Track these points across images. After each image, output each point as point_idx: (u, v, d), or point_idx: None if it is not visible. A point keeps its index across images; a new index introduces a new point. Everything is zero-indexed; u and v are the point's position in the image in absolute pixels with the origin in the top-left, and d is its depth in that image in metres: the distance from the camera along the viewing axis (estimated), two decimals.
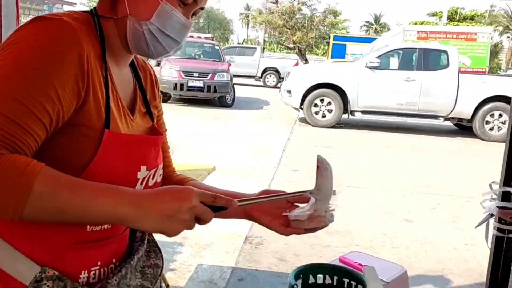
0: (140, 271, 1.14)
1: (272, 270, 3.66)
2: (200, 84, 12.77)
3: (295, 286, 2.02)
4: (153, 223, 0.89)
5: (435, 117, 10.94)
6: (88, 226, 1.01)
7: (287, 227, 1.22)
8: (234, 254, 3.92)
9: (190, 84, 12.72)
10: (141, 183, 1.05)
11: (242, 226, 4.51)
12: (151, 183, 1.08)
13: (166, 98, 12.74)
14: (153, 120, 1.18)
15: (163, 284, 1.20)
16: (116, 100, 1.04)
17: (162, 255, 1.24)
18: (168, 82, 12.45)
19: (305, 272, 2.13)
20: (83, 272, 1.02)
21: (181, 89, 12.67)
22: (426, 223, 4.91)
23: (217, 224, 4.86)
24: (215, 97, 13.23)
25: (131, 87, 1.15)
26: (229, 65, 14.35)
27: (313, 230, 1.23)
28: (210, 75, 12.86)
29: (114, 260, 1.09)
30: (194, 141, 8.17)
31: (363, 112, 11.03)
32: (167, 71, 12.71)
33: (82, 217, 0.89)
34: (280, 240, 4.20)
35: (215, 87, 12.83)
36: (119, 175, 0.99)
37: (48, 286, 0.96)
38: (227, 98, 13.48)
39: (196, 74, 12.82)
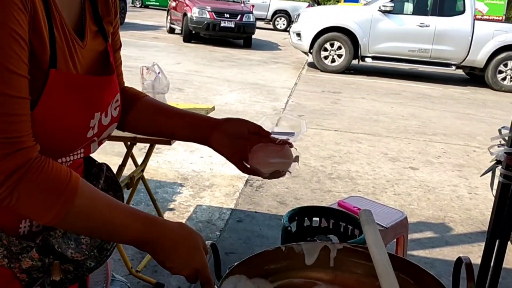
0: None
1: (272, 213, 3.63)
2: (231, 24, 13.38)
3: (289, 228, 1.98)
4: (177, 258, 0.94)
5: (447, 65, 10.67)
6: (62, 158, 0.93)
7: (246, 166, 1.13)
8: (234, 196, 3.89)
9: (222, 24, 13.31)
10: (93, 129, 0.93)
11: None
12: (105, 121, 0.97)
13: (190, 37, 13.35)
14: (107, 40, 1.00)
15: None
16: (61, 24, 0.86)
17: (122, 193, 1.12)
18: (200, 22, 13.07)
19: (300, 214, 2.08)
20: (23, 221, 0.91)
21: (214, 29, 13.27)
22: (430, 171, 4.84)
23: (218, 166, 4.86)
24: (243, 37, 13.98)
25: (77, 1, 0.94)
26: (253, 6, 14.79)
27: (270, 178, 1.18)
28: (239, 16, 13.57)
29: None
30: (198, 81, 8.04)
31: (374, 58, 10.77)
32: (198, 11, 13.17)
33: (108, 239, 0.94)
34: (281, 184, 4.17)
35: (244, 27, 13.59)
36: (68, 123, 0.87)
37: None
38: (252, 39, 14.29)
39: (227, 15, 13.46)
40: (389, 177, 4.56)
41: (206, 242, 1.25)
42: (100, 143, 1.02)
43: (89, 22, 0.96)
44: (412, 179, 4.57)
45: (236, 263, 1.31)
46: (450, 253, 3.20)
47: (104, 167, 1.10)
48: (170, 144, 2.48)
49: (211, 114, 3.70)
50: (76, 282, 0.99)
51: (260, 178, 3.71)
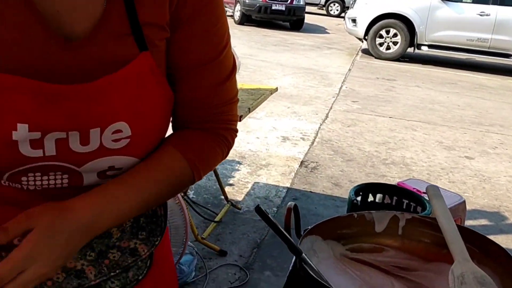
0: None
1: (326, 194, 3.74)
2: (282, 7, 13.83)
3: (355, 201, 2.09)
4: None
5: (506, 55, 10.36)
6: (3, 181, 0.78)
7: None
8: (290, 176, 4.01)
9: (273, 7, 13.77)
10: (35, 147, 0.74)
11: (299, 150, 4.58)
12: (81, 148, 0.76)
13: (243, 20, 13.71)
14: (145, 48, 0.78)
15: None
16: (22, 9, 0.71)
17: (161, 230, 0.92)
18: (253, 5, 13.52)
19: (365, 190, 2.18)
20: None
21: (265, 12, 13.73)
22: (486, 161, 4.80)
23: (273, 146, 5.01)
24: (292, 20, 14.29)
25: None
26: None
27: None
28: None
29: None
30: (252, 64, 8.16)
31: (430, 46, 10.57)
32: None
33: None
34: (336, 166, 4.26)
35: (294, 10, 13.99)
36: None
37: None
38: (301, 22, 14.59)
39: None
40: (444, 165, 4.56)
41: (290, 203, 1.38)
42: (102, 176, 0.82)
43: (113, 22, 0.77)
44: (468, 168, 4.56)
45: (312, 225, 1.44)
46: (504, 241, 3.22)
47: None
48: (239, 120, 2.63)
49: (272, 99, 3.83)
50: None
51: (316, 160, 3.91)
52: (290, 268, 1.31)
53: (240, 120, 2.67)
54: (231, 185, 3.70)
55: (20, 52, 0.72)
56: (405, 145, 5.00)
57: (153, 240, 0.90)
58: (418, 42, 10.50)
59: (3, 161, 0.75)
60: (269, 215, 1.23)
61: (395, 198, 2.12)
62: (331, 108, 6.21)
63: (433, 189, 1.45)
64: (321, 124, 5.42)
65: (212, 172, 3.29)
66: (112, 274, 0.85)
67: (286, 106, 5.95)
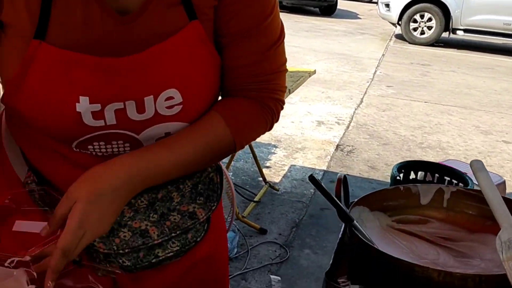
0: (164, 213, 0.92)
1: (363, 176, 3.78)
2: None
3: (398, 177, 2.13)
4: None
5: None
6: (74, 146, 0.86)
7: None
8: (325, 159, 4.06)
9: None
10: (97, 118, 0.81)
11: (334, 134, 4.62)
12: (136, 116, 0.82)
13: None
14: (195, 17, 0.82)
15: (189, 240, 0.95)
16: None
17: (213, 205, 0.97)
18: None
19: (407, 167, 2.22)
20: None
21: None
22: None
23: (308, 130, 5.05)
24: (323, 5, 14.11)
25: None
26: None
27: None
28: None
29: None
30: (287, 50, 8.17)
31: (466, 30, 10.36)
32: None
33: None
34: (372, 150, 4.28)
35: None
36: (52, 104, 0.79)
37: (36, 188, 0.91)
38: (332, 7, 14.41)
39: None
40: (481, 149, 4.53)
41: (340, 174, 1.44)
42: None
43: None
44: (505, 152, 4.51)
45: (360, 197, 1.50)
46: None
47: (219, 166, 1.01)
48: None
49: (308, 83, 3.87)
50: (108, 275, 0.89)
51: (352, 144, 3.95)
52: (340, 236, 1.38)
53: None
54: (268, 167, 3.77)
55: (80, 30, 0.78)
56: (441, 129, 4.97)
57: (210, 205, 0.96)
58: (454, 27, 10.31)
59: (70, 131, 0.82)
60: (322, 184, 1.29)
61: (436, 175, 2.16)
62: (365, 93, 6.21)
63: (478, 163, 1.49)
64: (355, 109, 5.43)
65: (250, 154, 3.37)
66: (173, 234, 0.91)
67: (320, 91, 5.97)
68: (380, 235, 1.43)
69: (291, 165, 3.88)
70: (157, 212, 0.91)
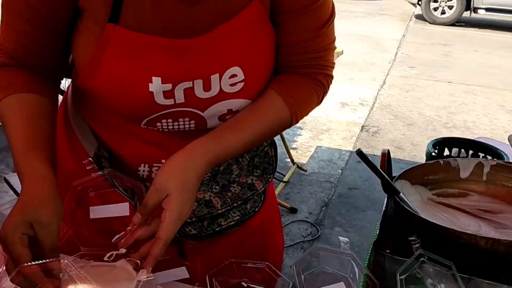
0: (224, 185, 0.99)
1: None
2: None
3: (433, 153, 2.17)
4: None
5: None
6: (142, 124, 0.91)
7: None
8: (351, 140, 4.09)
9: None
10: (167, 97, 0.86)
11: (358, 115, 4.63)
12: (203, 94, 0.88)
13: None
14: None
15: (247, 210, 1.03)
16: None
17: (269, 176, 1.04)
18: None
19: (441, 144, 2.25)
20: (142, 164, 0.96)
21: None
22: None
23: (333, 112, 5.07)
24: None
25: None
26: None
27: None
28: None
29: None
30: None
31: (487, 9, 10.19)
32: None
33: None
34: (397, 131, 4.29)
35: None
36: (125, 85, 0.84)
37: (105, 165, 0.96)
38: None
39: None
40: (507, 128, 4.51)
41: (384, 149, 1.48)
42: (223, 118, 0.93)
43: None
44: None
45: (401, 171, 1.54)
46: None
47: (270, 142, 1.06)
48: None
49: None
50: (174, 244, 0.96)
51: (377, 124, 3.95)
52: (384, 208, 1.42)
53: None
54: (294, 149, 3.81)
55: (150, 13, 0.82)
56: (466, 109, 4.96)
57: (266, 177, 1.03)
58: (475, 6, 10.14)
59: (141, 110, 0.88)
60: (369, 158, 1.34)
61: (470, 152, 2.19)
62: (388, 74, 6.19)
63: None
64: (379, 90, 5.43)
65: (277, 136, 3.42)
66: (234, 205, 0.98)
67: (342, 72, 5.96)
68: (422, 208, 1.47)
69: (317, 146, 3.92)
70: (219, 183, 0.97)
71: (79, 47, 0.87)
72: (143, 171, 0.96)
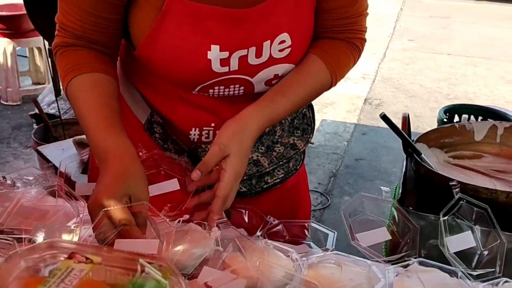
0: (269, 145, 1.06)
1: None
2: None
3: (445, 120, 2.23)
4: None
5: None
6: (194, 91, 0.98)
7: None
8: (355, 113, 4.14)
9: None
10: (223, 65, 0.92)
11: (361, 88, 4.68)
12: (255, 61, 0.94)
13: None
14: None
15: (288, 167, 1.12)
16: None
17: (309, 136, 1.12)
18: None
19: (452, 110, 2.32)
20: (193, 128, 1.03)
21: None
22: None
23: (335, 86, 5.09)
24: None
25: None
26: None
27: None
28: None
29: None
30: None
31: None
32: None
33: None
34: (399, 103, 4.35)
35: None
36: (184, 53, 0.90)
37: (157, 130, 1.02)
38: None
39: None
40: (508, 98, 4.58)
41: (404, 113, 1.54)
42: (269, 83, 1.00)
43: None
44: None
45: (419, 135, 1.60)
46: None
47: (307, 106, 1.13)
48: None
49: None
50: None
51: (379, 97, 4.04)
52: (404, 169, 1.48)
53: None
54: None
55: None
56: (466, 80, 5.01)
57: (306, 137, 1.11)
58: None
59: (198, 77, 0.94)
60: (393, 121, 1.40)
61: (480, 118, 2.26)
62: (387, 47, 6.21)
63: None
64: (379, 63, 5.46)
65: None
66: (280, 163, 1.07)
67: None
68: (439, 169, 1.53)
69: (322, 119, 3.97)
70: (264, 144, 1.05)
71: (139, 20, 0.92)
72: (194, 134, 1.03)
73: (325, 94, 4.12)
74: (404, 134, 1.43)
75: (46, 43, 2.91)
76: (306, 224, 0.95)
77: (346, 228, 0.82)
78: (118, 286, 0.47)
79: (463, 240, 0.79)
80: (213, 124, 1.02)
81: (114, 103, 0.91)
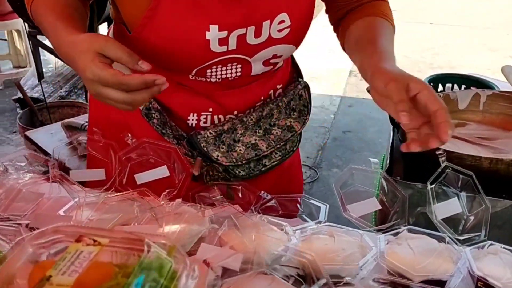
0: (266, 128, 1.07)
1: None
2: None
3: None
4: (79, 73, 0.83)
5: None
6: (191, 75, 0.98)
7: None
8: (341, 86, 4.16)
9: None
10: (222, 44, 0.91)
11: (346, 61, 4.69)
12: (253, 41, 0.93)
13: None
14: None
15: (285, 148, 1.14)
16: None
17: (306, 118, 1.13)
18: None
19: (436, 80, 2.34)
20: (191, 114, 1.03)
21: None
22: None
23: (321, 59, 5.09)
24: None
25: None
26: None
27: None
28: None
29: (236, 112, 1.05)
30: None
31: None
32: None
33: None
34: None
35: None
36: (182, 34, 0.89)
37: (155, 116, 1.02)
38: None
39: None
40: (490, 66, 4.62)
41: None
42: (267, 63, 1.00)
43: None
44: None
45: None
46: None
47: (303, 85, 1.14)
48: None
49: None
50: (225, 183, 1.05)
51: None
52: (390, 140, 1.51)
53: None
54: None
55: None
56: (449, 49, 5.04)
57: (303, 119, 1.13)
58: None
59: (196, 57, 0.92)
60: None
61: (463, 87, 2.29)
62: None
63: (509, 68, 1.62)
64: None
65: None
66: (277, 146, 1.08)
67: (322, 25, 5.98)
68: None
69: None
70: (262, 128, 1.07)
71: (133, 2, 0.90)
72: (192, 120, 1.04)
73: (310, 68, 4.12)
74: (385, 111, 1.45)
75: (26, 25, 2.87)
76: (298, 198, 0.97)
77: (336, 200, 0.85)
78: (126, 267, 0.49)
79: (449, 206, 0.83)
80: (210, 109, 1.03)
81: (77, 14, 0.90)
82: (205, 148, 1.01)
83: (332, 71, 4.44)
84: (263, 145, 1.06)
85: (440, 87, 2.26)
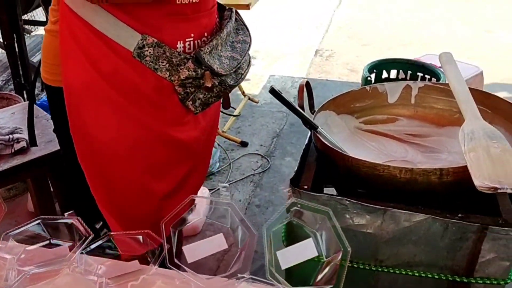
0: (230, 45, 1.30)
1: (342, 80, 3.73)
2: None
3: (369, 78, 2.09)
4: None
5: None
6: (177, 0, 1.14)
7: None
8: (305, 66, 3.98)
9: None
10: None
11: (312, 39, 4.50)
12: None
13: None
14: None
15: (248, 59, 1.35)
16: None
17: (249, 33, 1.38)
18: None
19: (379, 66, 2.17)
20: (178, 42, 1.17)
21: None
22: (507, 33, 4.65)
23: (287, 38, 4.86)
24: None
25: None
26: None
27: None
28: None
29: (206, 34, 1.24)
30: None
31: None
32: None
33: None
34: (351, 53, 4.19)
35: None
36: None
37: (149, 52, 1.13)
38: None
39: None
40: (464, 40, 4.45)
41: (301, 82, 1.39)
42: None
43: None
44: (488, 41, 4.44)
45: (324, 102, 1.46)
46: None
47: (234, 10, 1.37)
48: (248, 8, 2.57)
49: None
50: (219, 99, 1.30)
51: (331, 47, 3.85)
52: (306, 142, 1.35)
53: (249, 8, 2.62)
54: (246, 80, 3.69)
55: None
56: (425, 24, 4.84)
57: (248, 33, 1.38)
58: None
59: None
60: (282, 94, 1.25)
61: (409, 72, 2.12)
62: None
63: (446, 56, 1.44)
64: (335, 10, 5.25)
65: None
66: (244, 56, 1.32)
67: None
68: (348, 139, 1.41)
69: (270, 75, 3.82)
70: (227, 45, 1.28)
71: None
72: (179, 48, 1.18)
73: (275, 47, 3.92)
74: (298, 108, 1.29)
75: None
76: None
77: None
78: None
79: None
80: (192, 35, 1.20)
81: None
82: (208, 62, 1.17)
83: (299, 49, 4.26)
84: (237, 56, 1.27)
85: (385, 74, 2.10)
